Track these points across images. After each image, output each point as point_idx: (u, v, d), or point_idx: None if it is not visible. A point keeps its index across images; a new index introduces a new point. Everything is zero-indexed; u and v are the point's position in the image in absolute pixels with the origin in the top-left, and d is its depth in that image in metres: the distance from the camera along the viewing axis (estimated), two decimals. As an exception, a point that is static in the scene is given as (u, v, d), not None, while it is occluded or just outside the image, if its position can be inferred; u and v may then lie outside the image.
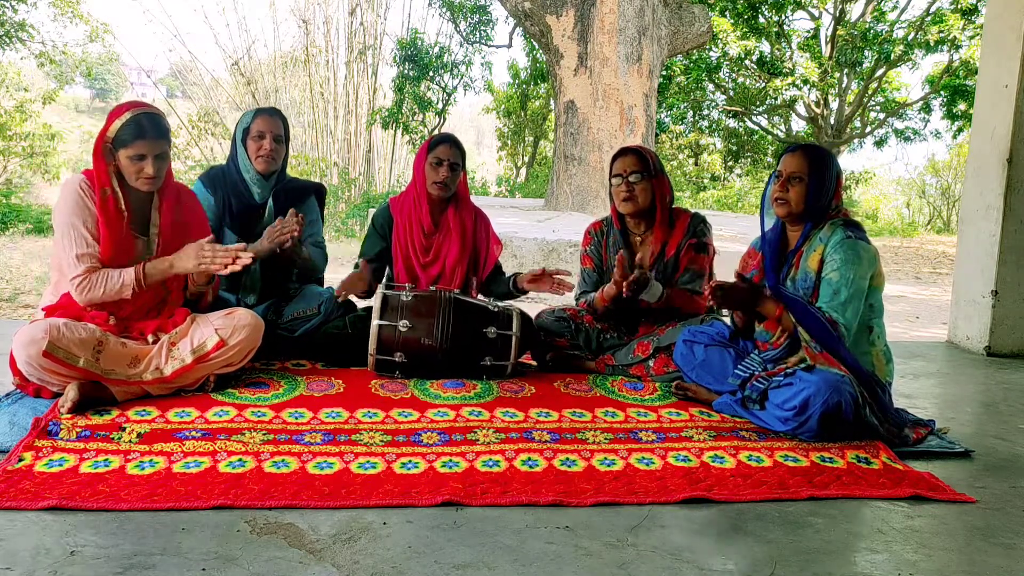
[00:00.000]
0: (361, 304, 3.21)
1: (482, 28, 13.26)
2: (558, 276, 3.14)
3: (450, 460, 2.19)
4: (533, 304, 3.23)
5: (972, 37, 12.46)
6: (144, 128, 2.49)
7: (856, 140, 16.19)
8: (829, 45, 14.53)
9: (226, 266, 2.49)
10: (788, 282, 2.59)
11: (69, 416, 2.31)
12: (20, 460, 2.05)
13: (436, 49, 13.26)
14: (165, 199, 2.67)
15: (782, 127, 17.57)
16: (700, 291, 3.05)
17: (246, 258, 2.50)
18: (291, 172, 3.65)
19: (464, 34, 13.31)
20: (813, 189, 2.51)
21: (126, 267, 2.55)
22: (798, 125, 17.34)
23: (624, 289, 2.85)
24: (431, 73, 13.13)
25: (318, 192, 3.37)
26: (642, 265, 2.86)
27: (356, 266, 3.21)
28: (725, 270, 3.11)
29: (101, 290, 2.52)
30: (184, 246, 2.58)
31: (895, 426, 2.50)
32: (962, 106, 14.11)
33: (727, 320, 2.93)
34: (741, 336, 2.78)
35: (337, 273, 3.23)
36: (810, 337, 2.44)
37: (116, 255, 2.55)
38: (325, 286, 3.34)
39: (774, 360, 2.59)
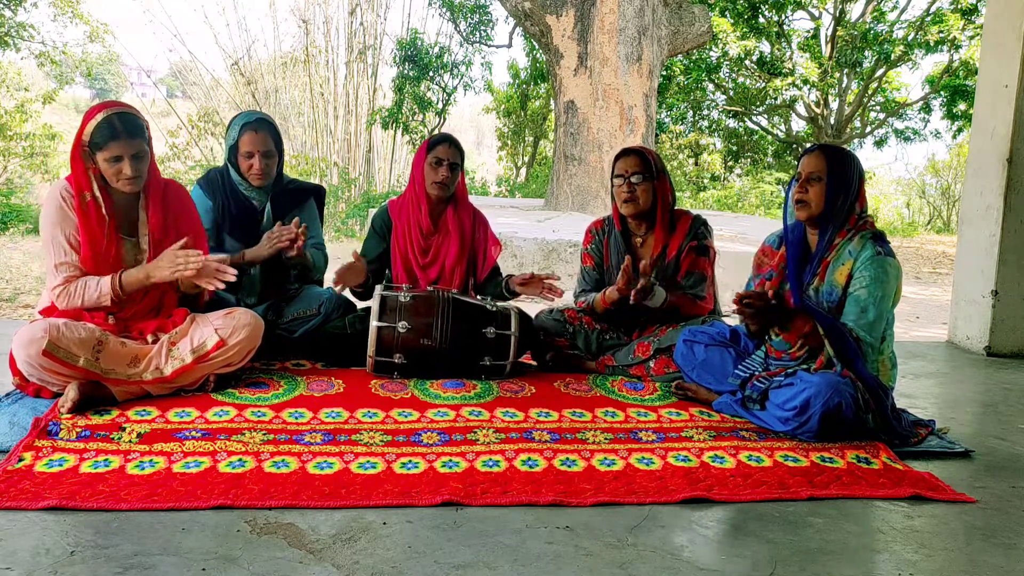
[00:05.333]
0: (361, 304, 3.21)
1: (482, 28, 13.24)
2: (548, 281, 3.12)
3: (450, 460, 2.19)
4: (532, 304, 3.23)
5: (972, 37, 12.45)
6: (117, 129, 2.46)
7: (856, 140, 16.18)
8: (829, 45, 14.53)
9: (196, 269, 2.45)
10: (811, 291, 2.54)
11: (69, 416, 2.31)
12: (20, 460, 2.05)
13: (436, 49, 13.25)
14: (151, 198, 2.63)
15: (782, 127, 17.57)
16: (703, 295, 3.05)
17: (229, 275, 2.49)
18: (292, 172, 3.62)
19: (464, 34, 13.30)
20: (832, 189, 2.46)
21: (109, 273, 2.53)
22: (798, 125, 17.34)
23: (632, 298, 2.85)
24: (431, 73, 13.12)
25: (317, 194, 3.34)
26: (646, 273, 2.85)
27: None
28: (725, 271, 3.11)
29: (79, 300, 2.51)
30: (168, 249, 2.55)
31: (899, 438, 2.48)
32: (962, 106, 14.10)
33: (728, 321, 2.93)
34: (754, 339, 2.74)
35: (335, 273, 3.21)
36: (834, 353, 2.42)
37: (100, 262, 2.53)
38: (325, 287, 3.33)
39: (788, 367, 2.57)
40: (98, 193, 2.53)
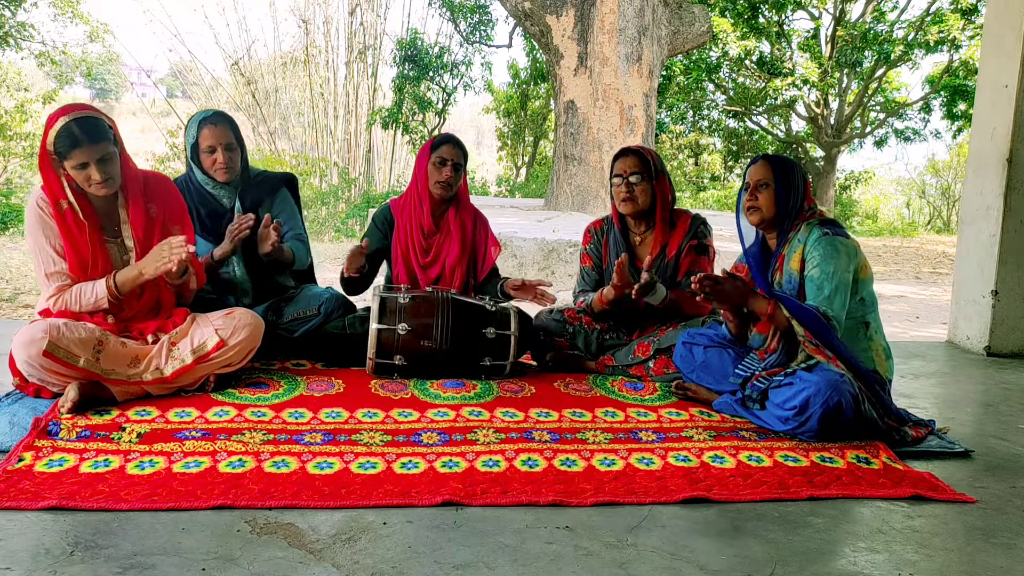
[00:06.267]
0: (361, 304, 3.21)
1: (482, 28, 13.25)
2: (540, 288, 3.12)
3: (450, 460, 2.19)
4: (533, 304, 3.23)
5: (972, 37, 12.47)
6: (77, 136, 2.39)
7: (856, 140, 16.19)
8: (829, 45, 14.54)
9: (178, 260, 2.41)
10: (775, 286, 2.65)
11: (69, 416, 2.31)
12: (20, 460, 2.05)
13: (436, 49, 13.26)
14: (130, 196, 2.59)
15: (782, 127, 17.58)
16: None
17: (183, 251, 2.42)
18: (292, 172, 3.57)
19: (464, 34, 13.31)
20: (781, 192, 2.59)
21: (101, 276, 2.52)
22: (798, 125, 17.36)
23: (633, 294, 2.85)
24: (431, 73, 13.12)
25: (289, 183, 3.28)
26: (648, 269, 2.86)
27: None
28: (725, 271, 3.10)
29: (77, 306, 2.50)
30: (159, 243, 2.51)
31: (894, 421, 2.50)
32: (962, 106, 14.12)
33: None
34: (740, 344, 2.78)
35: (337, 272, 3.21)
36: (804, 331, 2.45)
37: (86, 267, 2.51)
38: (325, 286, 3.33)
39: (775, 366, 2.59)
40: (73, 200, 2.49)
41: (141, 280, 2.52)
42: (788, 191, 2.60)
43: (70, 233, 2.50)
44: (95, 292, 2.50)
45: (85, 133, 2.40)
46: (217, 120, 2.99)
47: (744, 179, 2.69)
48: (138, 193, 2.61)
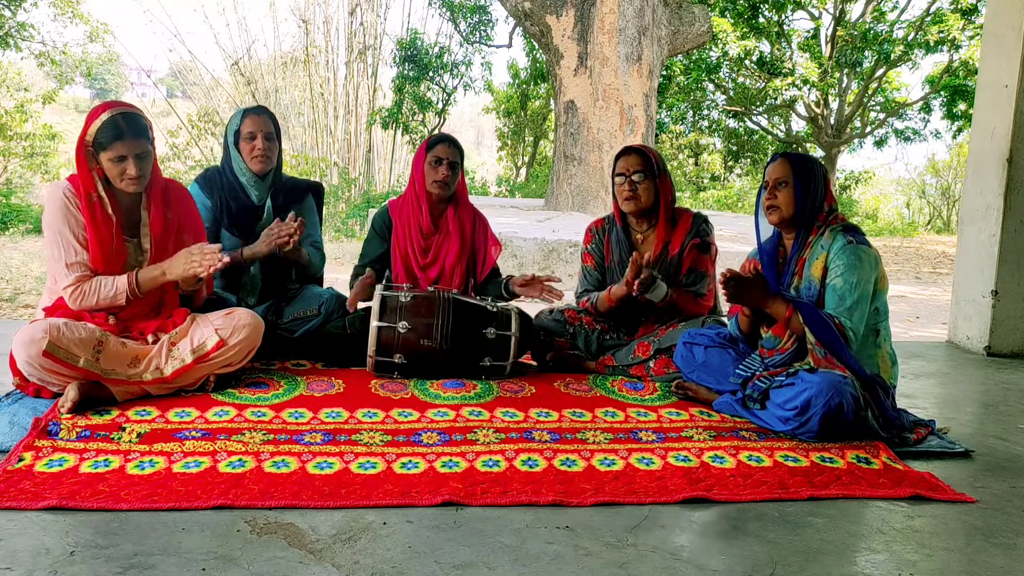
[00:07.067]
0: (361, 304, 3.21)
1: (482, 28, 13.26)
2: (548, 283, 3.14)
3: (450, 460, 2.19)
4: (533, 304, 3.23)
5: (972, 37, 12.47)
6: (122, 129, 2.46)
7: (856, 140, 16.19)
8: (829, 45, 14.54)
9: (210, 267, 2.46)
10: (791, 290, 2.61)
11: (69, 416, 2.31)
12: (20, 460, 2.05)
13: (436, 49, 13.27)
14: (153, 198, 2.63)
15: (782, 127, 17.58)
16: (703, 293, 3.06)
17: (220, 262, 2.47)
18: (292, 172, 3.62)
19: (464, 34, 13.31)
20: (800, 191, 2.56)
21: (119, 272, 2.54)
22: (798, 125, 17.36)
23: (633, 288, 2.85)
24: (431, 73, 13.13)
25: (316, 191, 3.34)
26: (648, 265, 2.86)
27: (356, 270, 3.21)
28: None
29: (95, 299, 2.51)
30: (178, 247, 2.56)
31: (896, 431, 2.49)
32: (962, 106, 14.12)
33: (725, 320, 2.93)
34: (746, 342, 2.77)
35: (337, 273, 3.22)
36: (816, 340, 2.43)
37: (108, 261, 2.53)
38: (325, 286, 3.33)
39: (779, 365, 2.58)
40: (103, 193, 2.53)
41: (163, 281, 2.55)
42: (808, 189, 2.56)
43: (97, 226, 2.52)
44: (115, 287, 2.52)
45: (129, 127, 2.47)
46: (260, 111, 3.13)
47: (763, 177, 2.65)
48: (159, 197, 2.65)
